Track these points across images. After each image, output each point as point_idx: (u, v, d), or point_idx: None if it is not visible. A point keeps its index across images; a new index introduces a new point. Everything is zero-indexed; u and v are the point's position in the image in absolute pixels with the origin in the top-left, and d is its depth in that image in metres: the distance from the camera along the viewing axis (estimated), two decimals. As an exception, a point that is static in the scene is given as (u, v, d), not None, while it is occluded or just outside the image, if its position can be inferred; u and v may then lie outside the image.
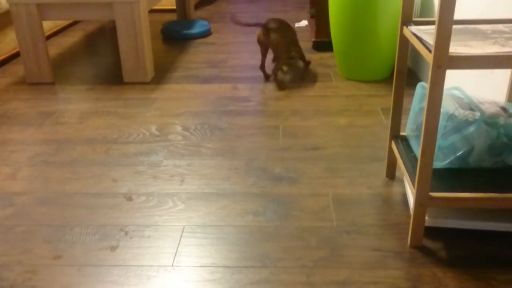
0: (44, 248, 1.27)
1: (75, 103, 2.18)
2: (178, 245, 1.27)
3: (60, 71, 2.62)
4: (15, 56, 2.87)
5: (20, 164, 1.69)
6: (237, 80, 2.41)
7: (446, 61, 1.04)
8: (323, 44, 2.83)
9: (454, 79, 1.89)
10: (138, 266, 1.20)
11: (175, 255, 1.23)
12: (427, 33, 1.20)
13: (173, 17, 3.82)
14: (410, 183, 1.23)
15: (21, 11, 2.29)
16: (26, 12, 2.29)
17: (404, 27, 1.31)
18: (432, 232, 1.29)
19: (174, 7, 4.00)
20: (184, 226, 1.34)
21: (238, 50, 2.88)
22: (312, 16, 3.36)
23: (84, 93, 2.30)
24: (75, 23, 3.69)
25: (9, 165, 1.68)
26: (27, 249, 1.26)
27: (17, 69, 2.65)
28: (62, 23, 3.44)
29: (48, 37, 3.28)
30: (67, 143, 1.82)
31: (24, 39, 2.34)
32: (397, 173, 1.55)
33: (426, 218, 1.25)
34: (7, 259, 1.23)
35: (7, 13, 2.69)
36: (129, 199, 1.47)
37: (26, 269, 1.19)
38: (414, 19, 1.33)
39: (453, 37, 1.17)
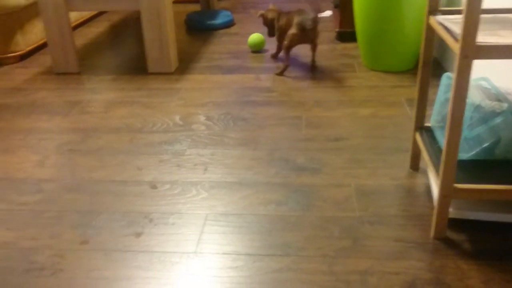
0: (72, 233, 1.30)
1: (101, 93, 2.22)
2: (201, 232, 1.29)
3: (86, 62, 2.66)
4: (43, 46, 2.93)
5: (48, 151, 1.73)
6: (260, 70, 2.42)
7: (473, 50, 1.02)
8: (347, 35, 2.81)
9: (481, 69, 1.85)
10: (162, 252, 1.22)
11: (198, 242, 1.25)
12: (454, 22, 1.19)
13: (196, 7, 3.83)
14: (434, 174, 1.22)
15: (48, 2, 2.33)
16: (53, 3, 2.33)
17: (430, 16, 1.29)
18: (456, 224, 1.28)
19: (198, -3, 4.01)
20: (207, 214, 1.36)
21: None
22: (336, 6, 3.32)
23: (109, 83, 2.34)
24: (100, 13, 3.73)
25: (37, 152, 1.73)
26: (56, 234, 1.30)
27: (44, 60, 2.70)
28: (87, 14, 3.49)
29: (74, 28, 3.33)
30: (93, 131, 1.86)
31: (51, 30, 2.38)
32: (421, 165, 1.54)
33: (450, 209, 1.24)
34: (36, 243, 1.27)
35: (34, 4, 2.74)
36: (154, 187, 1.50)
37: (55, 253, 1.23)
38: (440, 8, 1.31)
39: (481, 27, 1.15)
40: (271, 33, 2.53)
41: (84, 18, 3.43)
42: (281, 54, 2.48)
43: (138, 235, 1.29)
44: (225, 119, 1.92)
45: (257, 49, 2.68)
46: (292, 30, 2.28)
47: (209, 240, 1.26)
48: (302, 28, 2.26)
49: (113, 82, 2.34)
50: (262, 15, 2.51)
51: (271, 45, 2.76)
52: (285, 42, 2.31)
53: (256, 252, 1.21)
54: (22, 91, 2.27)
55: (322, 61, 2.52)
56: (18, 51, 2.65)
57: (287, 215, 1.34)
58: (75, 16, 3.20)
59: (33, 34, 2.75)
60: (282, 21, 2.40)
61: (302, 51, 2.68)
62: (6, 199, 1.46)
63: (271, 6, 2.52)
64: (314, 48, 2.37)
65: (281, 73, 2.34)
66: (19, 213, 1.40)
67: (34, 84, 2.36)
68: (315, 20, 2.24)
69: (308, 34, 2.29)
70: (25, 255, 1.22)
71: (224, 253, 1.21)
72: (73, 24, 3.27)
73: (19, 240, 1.28)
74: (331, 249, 1.21)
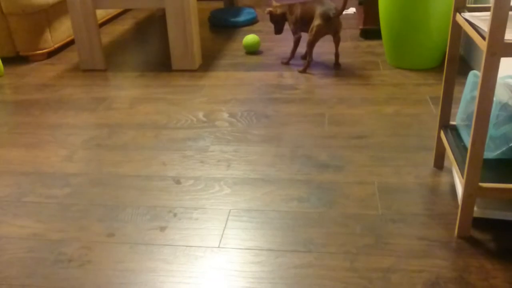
0: (99, 226, 1.34)
1: (126, 90, 2.26)
2: (224, 227, 1.31)
3: (111, 58, 2.71)
4: (70, 43, 2.99)
5: (76, 146, 1.77)
6: (282, 68, 2.42)
7: (501, 48, 1.01)
8: (371, 32, 2.79)
9: (508, 67, 1.82)
10: (186, 246, 1.24)
11: (222, 237, 1.27)
12: (482, 19, 1.17)
13: (220, 5, 3.85)
14: (459, 173, 1.22)
15: (76, 1, 2.37)
16: (81, 1, 2.37)
17: (457, 13, 1.28)
18: (481, 223, 1.26)
19: (221, -5, 4.03)
20: (230, 210, 1.38)
21: (284, 38, 2.88)
22: (360, 3, 3.30)
23: (134, 79, 2.38)
24: (126, 11, 3.79)
25: (65, 147, 1.77)
26: (83, 227, 1.33)
27: (71, 56, 2.76)
28: (113, 11, 3.55)
29: (101, 25, 3.39)
30: (119, 127, 1.90)
31: (78, 27, 2.43)
32: (446, 164, 1.52)
33: (475, 208, 1.23)
34: (65, 235, 1.30)
35: (62, 2, 2.80)
36: (178, 182, 1.52)
37: (82, 245, 1.26)
38: (468, 5, 1.29)
39: (509, 24, 1.13)
40: (279, 31, 2.48)
41: (110, 16, 3.48)
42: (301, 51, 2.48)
43: (163, 229, 1.31)
44: (248, 116, 1.93)
45: (253, 50, 2.66)
46: (317, 21, 2.25)
47: (232, 235, 1.27)
48: (327, 18, 2.23)
49: (138, 79, 2.38)
50: (270, 12, 2.44)
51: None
52: (310, 37, 2.28)
53: (279, 247, 1.22)
54: (50, 87, 2.33)
55: (345, 58, 2.51)
56: (46, 48, 2.71)
57: (310, 211, 1.35)
58: (101, 14, 3.25)
59: (60, 31, 2.81)
60: (297, 12, 2.35)
61: (324, 48, 2.67)
62: (36, 192, 1.50)
63: (274, 3, 2.49)
64: (337, 42, 2.34)
65: (304, 70, 2.34)
66: (48, 206, 1.44)
67: (61, 81, 2.41)
68: (339, 9, 2.22)
69: (333, 24, 2.26)
70: (54, 247, 1.26)
71: (246, 248, 1.23)
72: (99, 22, 3.33)
73: (48, 232, 1.32)
74: (353, 246, 1.21)
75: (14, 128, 1.94)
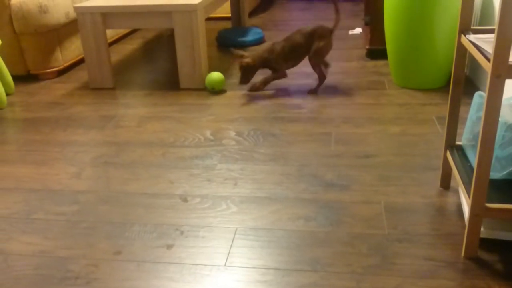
0: (106, 243, 1.34)
1: (134, 108, 2.29)
2: (231, 246, 1.31)
3: (120, 77, 2.75)
4: (80, 62, 3.04)
5: (84, 164, 1.79)
6: (289, 87, 2.44)
7: (506, 70, 1.02)
8: (377, 52, 2.82)
9: (514, 88, 1.83)
10: (193, 264, 1.25)
11: (228, 256, 1.27)
12: (486, 41, 1.19)
13: (227, 24, 3.91)
14: (466, 193, 1.22)
15: (87, 20, 2.42)
16: (91, 20, 2.42)
17: (462, 35, 1.30)
18: (488, 244, 1.26)
19: (229, 15, 4.09)
20: (236, 228, 1.38)
21: (291, 58, 2.91)
22: (366, 24, 3.34)
23: (142, 98, 2.41)
24: (135, 31, 3.85)
25: (74, 165, 1.79)
26: (90, 244, 1.34)
27: (81, 75, 2.80)
28: (122, 31, 3.60)
29: (110, 45, 3.44)
30: (127, 145, 1.92)
31: (88, 46, 2.48)
32: (452, 184, 1.52)
33: (482, 229, 1.22)
34: (72, 253, 1.31)
35: (73, 22, 2.85)
36: (185, 200, 1.53)
37: (89, 262, 1.27)
38: (472, 27, 1.31)
39: (513, 46, 1.14)
40: (247, 80, 2.33)
41: (120, 35, 3.54)
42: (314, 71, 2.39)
43: (170, 247, 1.32)
44: (255, 134, 1.95)
45: (217, 89, 2.40)
46: (321, 42, 2.28)
47: (238, 254, 1.28)
48: (328, 33, 2.30)
49: (147, 97, 2.41)
50: (247, 64, 2.29)
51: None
52: (316, 58, 2.31)
53: (285, 267, 1.22)
54: (59, 105, 2.36)
55: (351, 78, 2.53)
56: (57, 67, 2.75)
57: (316, 230, 1.35)
58: (110, 33, 3.31)
59: (70, 50, 2.86)
60: (280, 49, 2.31)
61: (330, 68, 2.70)
62: (44, 209, 1.52)
63: (245, 53, 2.34)
64: (326, 65, 2.39)
65: (316, 90, 2.36)
66: (56, 223, 1.45)
67: (71, 99, 2.44)
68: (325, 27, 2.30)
69: (330, 43, 2.32)
70: (61, 264, 1.27)
71: (253, 267, 1.23)
72: (109, 41, 3.38)
73: (56, 249, 1.33)
74: (359, 266, 1.21)
75: (23, 145, 1.97)
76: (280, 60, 2.35)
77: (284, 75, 2.39)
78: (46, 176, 1.72)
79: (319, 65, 2.34)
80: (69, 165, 1.78)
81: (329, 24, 2.37)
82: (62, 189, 1.63)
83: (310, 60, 2.33)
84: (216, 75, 2.40)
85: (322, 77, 2.36)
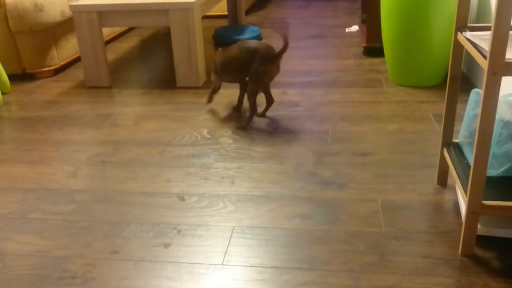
0: (103, 243, 1.34)
1: (131, 106, 2.28)
2: (228, 244, 1.31)
3: (117, 76, 2.74)
4: (76, 61, 3.03)
5: (81, 163, 1.78)
6: (286, 85, 2.44)
7: (502, 67, 1.02)
8: (374, 50, 2.81)
9: (511, 85, 1.84)
10: (190, 263, 1.24)
11: (225, 254, 1.27)
12: (483, 39, 1.19)
13: (224, 22, 3.90)
14: (463, 190, 1.22)
15: (83, 19, 2.41)
16: (87, 19, 2.41)
17: (459, 32, 1.30)
18: (485, 241, 1.26)
19: (226, 13, 4.08)
20: (234, 227, 1.38)
21: (287, 56, 2.91)
22: (363, 21, 3.34)
23: (139, 96, 2.40)
24: (131, 29, 3.84)
25: (71, 164, 1.78)
26: (87, 244, 1.34)
27: (77, 74, 2.79)
28: (119, 29, 3.59)
29: (106, 43, 3.43)
30: (123, 144, 1.91)
31: (85, 45, 2.47)
32: (449, 181, 1.53)
33: (479, 226, 1.23)
34: (69, 252, 1.31)
35: (69, 20, 2.84)
36: (182, 199, 1.53)
37: (86, 262, 1.27)
38: (469, 24, 1.31)
39: (510, 43, 1.14)
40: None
41: (116, 33, 3.53)
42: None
43: (167, 246, 1.31)
44: (252, 133, 1.95)
45: None
46: (261, 66, 1.89)
47: (236, 253, 1.28)
48: (272, 58, 1.89)
49: (143, 96, 2.40)
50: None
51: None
52: (252, 85, 1.93)
53: (282, 265, 1.22)
54: (56, 104, 2.35)
55: (348, 76, 2.53)
56: (53, 66, 2.74)
57: (313, 229, 1.35)
58: (107, 32, 3.29)
59: (67, 49, 2.85)
60: (218, 59, 2.04)
61: (326, 66, 2.70)
62: (41, 209, 1.51)
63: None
64: (269, 90, 2.02)
65: (246, 126, 1.99)
66: (52, 222, 1.44)
67: (67, 98, 2.43)
68: (275, 48, 1.90)
69: (276, 65, 1.93)
70: (58, 263, 1.27)
71: (250, 266, 1.23)
72: (105, 39, 3.37)
73: (52, 249, 1.32)
74: (356, 264, 1.21)
75: (20, 144, 1.96)
76: (220, 71, 2.05)
77: (215, 90, 2.11)
78: (43, 175, 1.71)
79: (254, 95, 1.94)
80: (65, 164, 1.78)
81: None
82: (58, 189, 1.62)
83: (247, 84, 1.98)
84: None
85: (270, 101, 2.05)
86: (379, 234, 1.31)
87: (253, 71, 1.92)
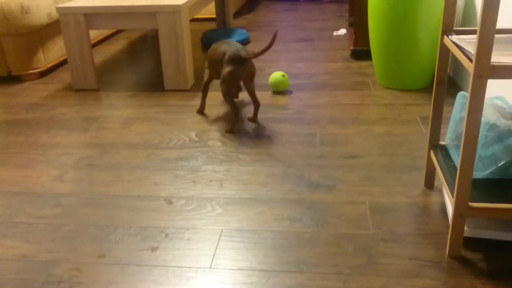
0: (89, 247, 1.32)
1: (119, 109, 2.26)
2: (216, 248, 1.30)
3: (104, 78, 2.72)
4: (63, 63, 3.00)
5: (67, 166, 1.76)
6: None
7: (487, 70, 1.03)
8: (361, 53, 2.83)
9: (496, 88, 1.86)
10: (178, 267, 1.24)
11: (213, 258, 1.26)
12: (469, 42, 1.20)
13: (212, 25, 3.90)
14: (449, 192, 1.23)
15: (69, 21, 2.39)
16: (74, 21, 2.39)
17: (445, 36, 1.31)
18: (472, 243, 1.27)
19: (214, 16, 4.08)
20: (222, 230, 1.37)
21: (275, 59, 2.91)
22: (350, 25, 3.36)
23: (127, 99, 2.38)
24: (119, 31, 3.81)
25: (57, 167, 1.76)
26: (74, 248, 1.32)
27: (64, 76, 2.77)
28: (106, 31, 3.57)
29: (93, 45, 3.40)
30: (111, 147, 1.89)
31: (71, 47, 2.44)
32: (436, 183, 1.54)
33: (466, 228, 1.23)
34: (55, 256, 1.29)
35: (56, 22, 2.81)
36: (170, 202, 1.52)
37: (73, 266, 1.25)
38: (455, 28, 1.32)
39: (495, 47, 1.16)
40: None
41: (103, 36, 3.50)
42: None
43: (154, 249, 1.30)
44: (240, 135, 1.94)
45: (282, 88, 2.37)
46: (227, 68, 1.88)
47: (224, 256, 1.27)
48: (238, 61, 1.87)
49: (131, 99, 2.39)
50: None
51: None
52: (222, 88, 1.91)
53: (271, 268, 1.22)
54: (42, 107, 2.33)
55: (336, 79, 2.54)
56: (39, 68, 2.71)
57: (301, 231, 1.35)
58: (94, 34, 3.27)
59: (53, 51, 2.83)
60: (208, 53, 2.05)
61: (315, 69, 2.70)
62: (26, 213, 1.49)
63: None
64: (253, 89, 1.98)
65: (232, 129, 1.97)
66: (38, 226, 1.42)
67: (53, 100, 2.41)
68: (252, 51, 1.83)
69: (246, 68, 1.89)
70: (44, 268, 1.25)
71: (239, 269, 1.22)
72: (92, 42, 3.35)
73: (38, 253, 1.31)
74: (345, 266, 1.21)
75: (5, 148, 1.93)
76: (209, 65, 2.06)
77: (206, 84, 2.10)
78: (28, 178, 1.69)
79: (228, 96, 1.92)
80: (51, 168, 1.76)
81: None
82: (44, 192, 1.60)
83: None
84: (279, 75, 2.34)
85: (255, 104, 2.03)
86: (367, 236, 1.32)
87: (222, 72, 1.92)
